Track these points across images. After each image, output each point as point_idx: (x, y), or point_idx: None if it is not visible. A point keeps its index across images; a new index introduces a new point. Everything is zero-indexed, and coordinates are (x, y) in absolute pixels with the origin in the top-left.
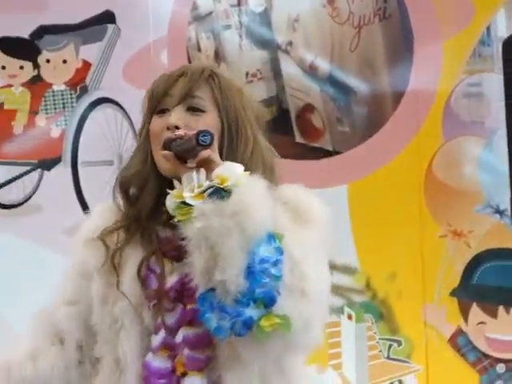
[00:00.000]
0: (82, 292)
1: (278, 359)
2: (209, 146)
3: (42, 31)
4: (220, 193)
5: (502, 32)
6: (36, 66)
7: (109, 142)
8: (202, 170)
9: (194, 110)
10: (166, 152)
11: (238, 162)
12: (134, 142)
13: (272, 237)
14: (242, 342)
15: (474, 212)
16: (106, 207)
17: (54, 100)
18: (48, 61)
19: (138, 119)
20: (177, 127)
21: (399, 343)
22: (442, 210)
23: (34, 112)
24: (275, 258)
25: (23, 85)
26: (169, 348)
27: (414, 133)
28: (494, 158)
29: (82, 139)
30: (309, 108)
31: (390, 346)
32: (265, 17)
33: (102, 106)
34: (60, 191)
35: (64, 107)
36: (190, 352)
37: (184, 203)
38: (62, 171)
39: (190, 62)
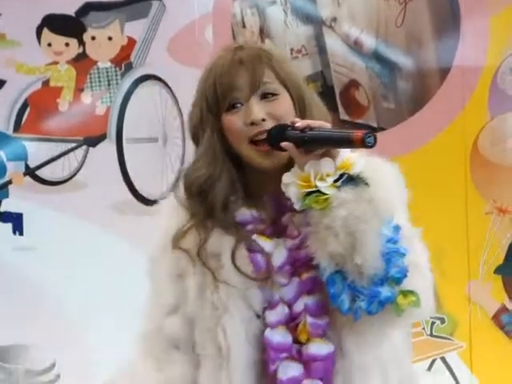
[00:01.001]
0: (180, 295)
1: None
2: (372, 147)
3: (88, 8)
4: (351, 180)
5: None
6: (81, 43)
7: (153, 118)
8: (329, 159)
9: (267, 95)
10: (286, 143)
11: None
12: (178, 119)
13: (392, 216)
14: (371, 320)
15: None
16: (176, 205)
17: (99, 77)
18: (93, 38)
19: (182, 96)
20: (263, 120)
21: (442, 320)
22: (487, 186)
23: (79, 89)
24: (398, 237)
25: (69, 62)
26: (287, 321)
27: (459, 109)
28: None
29: (126, 116)
30: (354, 84)
31: (433, 323)
32: None
33: (147, 82)
34: (105, 168)
35: (109, 84)
36: (313, 319)
37: (317, 192)
38: (107, 148)
39: (234, 38)
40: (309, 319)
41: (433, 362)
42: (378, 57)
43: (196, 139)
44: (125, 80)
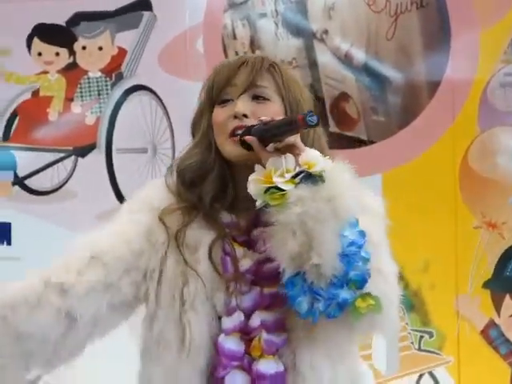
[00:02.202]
0: (146, 250)
1: (351, 341)
2: (315, 126)
3: (78, 18)
4: (310, 178)
5: None
6: (72, 52)
7: (143, 129)
8: (291, 156)
9: (259, 98)
10: (250, 137)
11: None
12: (167, 130)
13: (356, 220)
14: (326, 325)
15: (508, 203)
16: (153, 186)
17: (90, 87)
18: (84, 48)
19: (172, 106)
20: (245, 115)
21: (430, 334)
22: (476, 201)
23: (69, 99)
24: (362, 241)
25: (59, 71)
26: (242, 331)
27: (449, 123)
28: None
29: (116, 126)
30: (344, 97)
31: (422, 338)
32: (300, 5)
33: (137, 93)
34: (94, 178)
35: (99, 94)
36: (268, 335)
37: (275, 188)
38: (97, 158)
39: (225, 49)
40: (264, 335)
41: (420, 376)
42: (368, 70)
43: (194, 132)
44: (115, 90)
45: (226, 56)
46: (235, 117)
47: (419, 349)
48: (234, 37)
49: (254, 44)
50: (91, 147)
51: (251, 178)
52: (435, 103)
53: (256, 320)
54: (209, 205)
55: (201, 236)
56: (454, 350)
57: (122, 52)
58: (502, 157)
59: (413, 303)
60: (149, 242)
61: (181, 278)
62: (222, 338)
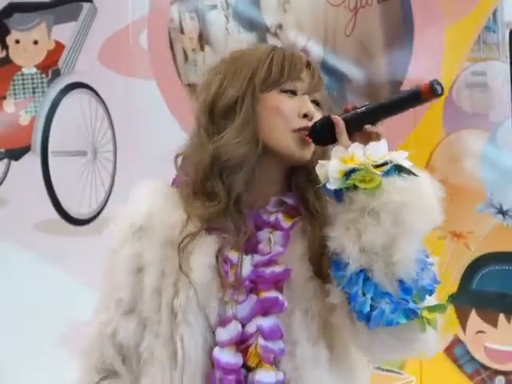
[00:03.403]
0: (136, 291)
1: (367, 363)
2: (441, 95)
3: (11, 9)
4: (397, 170)
5: (509, 17)
6: (4, 46)
7: (82, 130)
8: (378, 143)
9: (315, 103)
10: (337, 118)
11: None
12: (109, 131)
13: None
14: (381, 333)
15: (475, 212)
16: (153, 190)
17: (24, 84)
18: (17, 41)
19: (114, 106)
20: (312, 118)
21: None
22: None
23: (1, 97)
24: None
25: None
26: (238, 341)
27: (412, 126)
28: (498, 153)
29: (53, 127)
30: None
31: None
32: None
33: (76, 91)
34: (28, 183)
35: (34, 92)
36: (264, 342)
37: (363, 171)
38: (31, 161)
39: (171, 44)
40: (261, 341)
41: None
42: (325, 67)
43: (226, 112)
44: (51, 88)
45: (173, 52)
46: (305, 115)
47: (379, 368)
48: (182, 31)
49: (202, 38)
50: (25, 149)
51: (331, 155)
52: None
53: (252, 326)
54: (234, 204)
55: (200, 241)
56: (416, 370)
57: (60, 46)
58: (469, 161)
59: None
60: (138, 274)
61: (170, 289)
62: (217, 350)
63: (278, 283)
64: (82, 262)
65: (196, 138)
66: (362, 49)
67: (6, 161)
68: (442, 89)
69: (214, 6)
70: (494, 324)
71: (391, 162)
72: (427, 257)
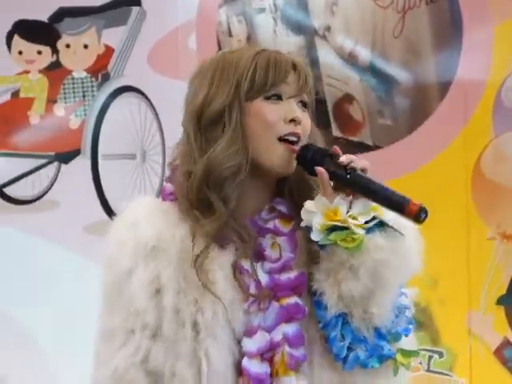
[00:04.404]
0: (159, 313)
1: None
2: (420, 223)
3: (62, 14)
4: (382, 227)
5: None
6: (55, 51)
7: (131, 134)
8: (364, 199)
9: (304, 105)
10: (321, 170)
11: None
12: (158, 134)
13: None
14: (359, 374)
15: None
16: (151, 208)
17: (74, 88)
18: (68, 46)
19: (163, 109)
20: (299, 123)
21: (441, 354)
22: (490, 210)
23: (51, 101)
24: (409, 292)
25: (41, 71)
26: (265, 350)
27: (461, 127)
28: None
29: (102, 130)
30: (347, 99)
31: (431, 358)
32: None
33: (125, 94)
34: (78, 186)
35: (84, 96)
36: (290, 349)
37: (344, 229)
38: (81, 165)
39: (219, 47)
40: (287, 349)
41: None
42: (373, 70)
43: (213, 123)
44: (101, 91)
45: None
46: (291, 120)
47: (428, 369)
48: (230, 34)
49: (250, 41)
50: (75, 153)
51: (313, 208)
52: (446, 105)
53: (278, 334)
54: (231, 216)
55: (214, 255)
56: (466, 371)
57: (109, 50)
58: None
59: (422, 321)
60: (158, 296)
61: (191, 307)
62: (246, 361)
63: (295, 289)
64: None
65: (184, 147)
66: (410, 50)
67: (56, 164)
68: (425, 217)
69: (262, 9)
70: None
71: (375, 219)
72: (403, 294)
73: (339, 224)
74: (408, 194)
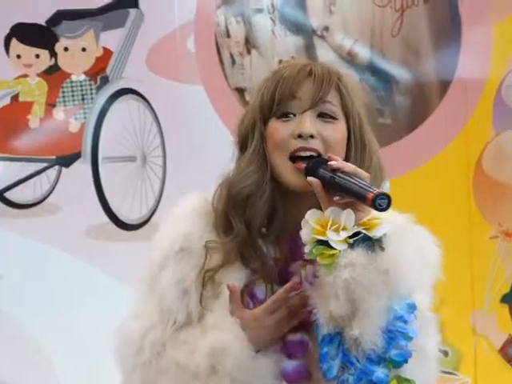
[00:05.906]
0: (188, 311)
1: None
2: (384, 210)
3: (60, 17)
4: (367, 242)
5: None
6: (53, 54)
7: (131, 136)
8: (352, 212)
9: (325, 116)
10: (312, 179)
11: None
12: (157, 136)
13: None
14: None
15: None
16: (195, 208)
17: (73, 91)
18: (66, 49)
19: (162, 111)
20: (311, 136)
21: (445, 353)
22: (492, 208)
23: (51, 104)
24: (410, 317)
25: (39, 75)
26: None
27: (461, 125)
28: None
29: (102, 133)
30: None
31: None
32: None
33: (124, 97)
34: (79, 189)
35: (83, 99)
36: None
37: (326, 244)
38: (82, 168)
39: (218, 49)
40: None
41: None
42: (372, 69)
43: (243, 144)
44: (100, 94)
45: (220, 56)
46: (299, 136)
47: None
48: (228, 35)
49: (249, 42)
50: (76, 156)
51: (305, 220)
52: (446, 104)
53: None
54: (254, 236)
55: (228, 273)
56: (471, 370)
57: (108, 53)
58: None
59: None
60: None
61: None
62: None
63: (303, 322)
64: (133, 267)
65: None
66: (409, 49)
67: (56, 168)
68: (389, 204)
69: (260, 10)
70: None
71: (359, 234)
72: (401, 319)
73: (321, 238)
74: (409, 193)
